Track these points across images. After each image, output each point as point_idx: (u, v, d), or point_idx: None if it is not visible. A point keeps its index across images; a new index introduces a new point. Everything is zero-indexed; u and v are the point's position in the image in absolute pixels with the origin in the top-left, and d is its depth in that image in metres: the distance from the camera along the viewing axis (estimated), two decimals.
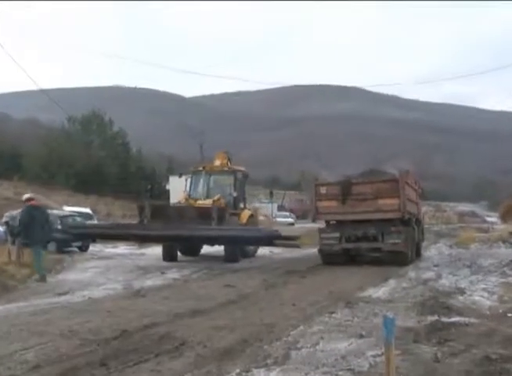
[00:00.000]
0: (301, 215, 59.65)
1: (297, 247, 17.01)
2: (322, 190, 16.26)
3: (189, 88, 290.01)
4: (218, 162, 20.18)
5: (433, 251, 23.58)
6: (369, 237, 15.73)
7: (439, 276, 13.95)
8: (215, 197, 18.37)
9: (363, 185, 15.98)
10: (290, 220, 49.39)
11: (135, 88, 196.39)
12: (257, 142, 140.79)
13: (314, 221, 17.53)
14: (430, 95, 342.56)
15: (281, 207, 59.91)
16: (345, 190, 15.88)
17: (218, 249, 19.17)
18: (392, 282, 13.00)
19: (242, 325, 7.93)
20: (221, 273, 15.03)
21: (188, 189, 19.39)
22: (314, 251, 17.12)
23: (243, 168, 20.40)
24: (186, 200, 18.82)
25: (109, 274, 14.67)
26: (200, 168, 19.86)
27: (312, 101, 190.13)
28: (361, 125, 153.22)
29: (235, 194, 19.21)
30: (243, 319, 8.35)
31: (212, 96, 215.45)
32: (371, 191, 15.76)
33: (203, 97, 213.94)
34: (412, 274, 14.57)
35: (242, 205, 19.86)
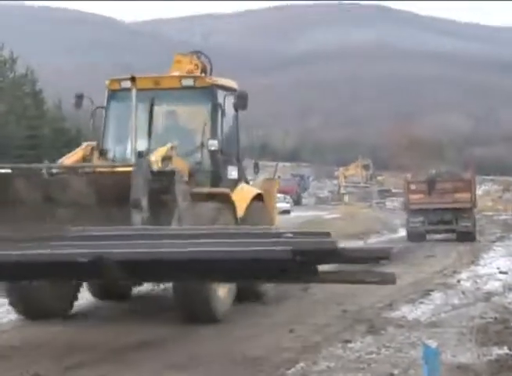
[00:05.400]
0: (295, 199, 60.18)
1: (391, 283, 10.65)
2: (413, 186, 30.44)
3: (131, 10, 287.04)
4: (176, 72, 13.61)
5: (499, 250, 23.75)
6: (446, 221, 29.38)
7: (509, 288, 14.00)
8: (168, 147, 11.43)
9: (444, 182, 30.34)
10: (287, 206, 48.59)
11: (52, 10, 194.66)
12: None
13: (405, 210, 31.93)
14: (495, 18, 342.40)
15: None
16: (431, 186, 29.79)
17: None
18: (437, 296, 13.05)
19: (212, 361, 7.91)
20: None
21: (102, 131, 13.30)
22: None
23: (233, 84, 13.38)
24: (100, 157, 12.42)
25: None
26: (128, 84, 12.41)
27: (317, 28, 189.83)
28: (391, 63, 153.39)
29: (214, 145, 12.31)
30: (215, 353, 8.33)
31: (168, 22, 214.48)
32: (450, 187, 29.83)
33: (153, 23, 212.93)
34: (467, 284, 14.67)
35: (233, 173, 13.13)
